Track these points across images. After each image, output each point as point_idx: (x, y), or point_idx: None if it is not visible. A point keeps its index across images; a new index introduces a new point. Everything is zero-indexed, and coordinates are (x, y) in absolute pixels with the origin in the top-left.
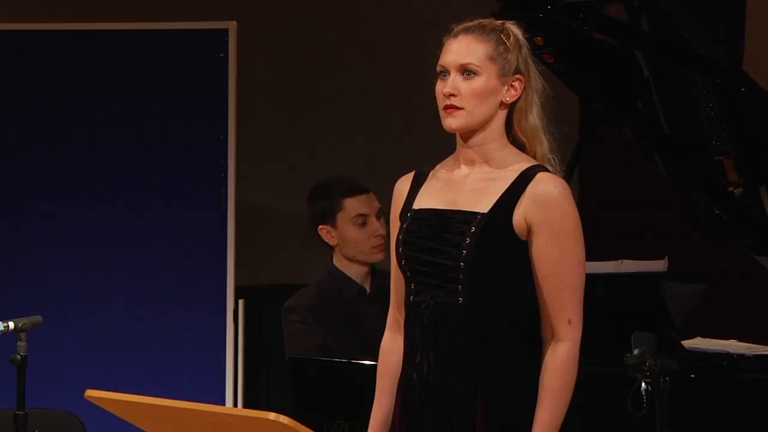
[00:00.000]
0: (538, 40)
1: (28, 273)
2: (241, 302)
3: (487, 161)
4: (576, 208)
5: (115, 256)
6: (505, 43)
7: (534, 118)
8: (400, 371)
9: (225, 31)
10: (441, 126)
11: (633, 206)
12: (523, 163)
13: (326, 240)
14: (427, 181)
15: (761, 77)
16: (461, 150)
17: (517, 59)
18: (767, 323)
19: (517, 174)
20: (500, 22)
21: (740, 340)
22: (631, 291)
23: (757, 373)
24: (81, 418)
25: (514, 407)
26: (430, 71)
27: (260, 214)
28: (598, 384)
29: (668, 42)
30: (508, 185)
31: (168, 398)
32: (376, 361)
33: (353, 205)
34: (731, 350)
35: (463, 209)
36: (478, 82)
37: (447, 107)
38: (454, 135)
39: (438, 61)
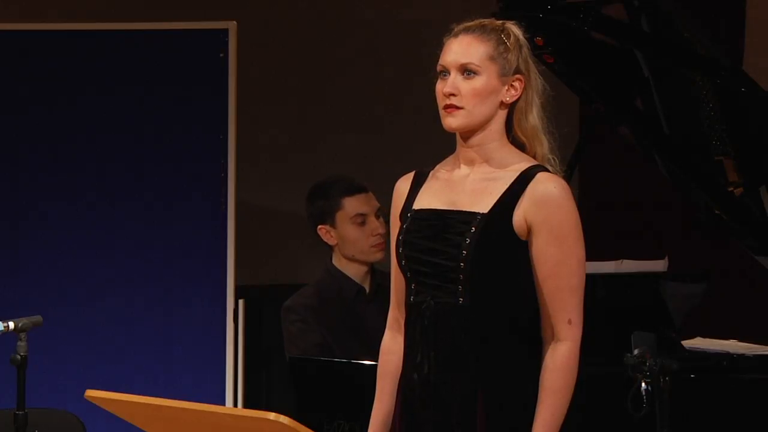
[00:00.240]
0: (538, 40)
1: (28, 273)
2: (241, 302)
3: (487, 161)
4: (576, 208)
5: (115, 256)
6: (506, 42)
7: (534, 118)
8: (400, 371)
9: (225, 31)
10: (441, 126)
11: (633, 206)
12: (523, 163)
13: (325, 240)
14: (427, 181)
15: (761, 77)
16: (461, 150)
17: (518, 59)
18: (767, 323)
19: (517, 174)
20: (501, 22)
21: (740, 340)
22: (631, 291)
23: (757, 373)
24: (81, 418)
25: (515, 407)
26: (430, 71)
27: (260, 214)
28: (598, 384)
29: (668, 42)
30: (508, 185)
31: (168, 398)
32: (376, 360)
33: (352, 205)
34: (731, 350)
35: (463, 209)
36: (478, 82)
37: (447, 107)
38: (454, 135)
39: (438, 61)
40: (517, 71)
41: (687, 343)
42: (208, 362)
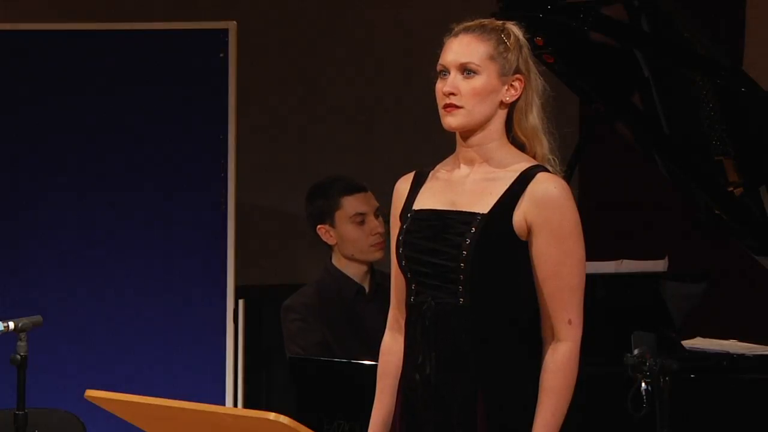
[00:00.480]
0: (538, 40)
1: (28, 273)
2: (241, 302)
3: (486, 161)
4: (576, 209)
5: (116, 256)
6: (506, 42)
7: (534, 118)
8: (400, 371)
9: (225, 31)
10: (441, 126)
11: (633, 206)
12: (523, 163)
13: (325, 239)
14: (427, 182)
15: (761, 77)
16: (461, 150)
17: (518, 59)
18: (767, 323)
19: (517, 174)
20: (501, 22)
21: (740, 340)
22: (631, 291)
23: (757, 373)
24: (81, 418)
25: (515, 407)
26: (430, 71)
27: (260, 214)
28: (598, 384)
29: (668, 42)
30: (508, 186)
31: (168, 398)
32: (376, 360)
33: (351, 204)
34: (731, 350)
35: (463, 210)
36: (478, 81)
37: (447, 106)
38: (454, 135)
39: (438, 61)
40: (517, 71)
41: (687, 343)
42: (208, 362)
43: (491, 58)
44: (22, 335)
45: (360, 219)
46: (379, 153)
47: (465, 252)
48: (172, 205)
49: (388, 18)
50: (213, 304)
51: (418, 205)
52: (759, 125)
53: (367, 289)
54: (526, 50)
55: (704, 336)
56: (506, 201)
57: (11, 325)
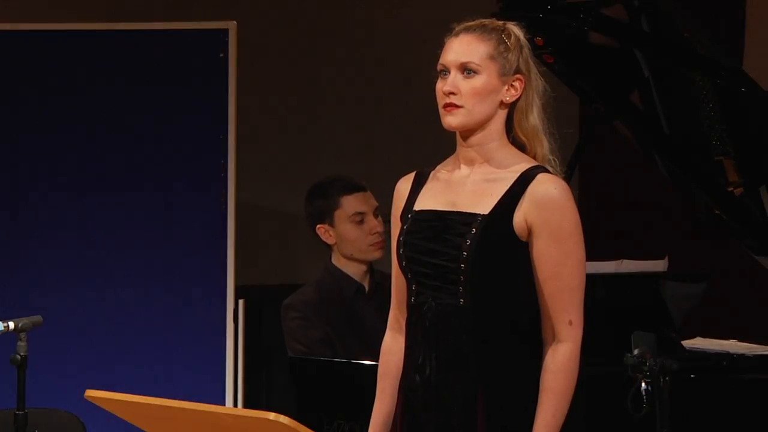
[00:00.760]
0: (538, 40)
1: (28, 273)
2: (241, 302)
3: (487, 161)
4: (576, 209)
5: (116, 256)
6: (506, 42)
7: (534, 118)
8: (400, 372)
9: (225, 31)
10: (441, 126)
11: (633, 206)
12: (524, 163)
13: (324, 239)
14: (428, 182)
15: (761, 77)
16: (461, 150)
17: (518, 59)
18: (767, 323)
19: (517, 175)
20: (502, 22)
21: (740, 340)
22: (631, 291)
23: (757, 373)
24: (81, 418)
25: (515, 408)
26: (430, 71)
27: (260, 214)
28: (598, 384)
29: (668, 42)
30: (509, 187)
31: (168, 398)
32: (375, 359)
33: (351, 203)
34: (731, 350)
35: (464, 211)
36: (478, 81)
37: (446, 105)
38: (454, 135)
39: (439, 60)
40: (518, 71)
41: (687, 343)
42: (208, 362)
43: (491, 57)
44: (22, 335)
45: (359, 218)
46: (379, 153)
47: (465, 253)
48: (172, 205)
49: (388, 18)
50: (213, 304)
51: (418, 206)
52: (759, 125)
53: (366, 288)
54: (526, 51)
55: (704, 336)
56: (507, 202)
57: (11, 325)
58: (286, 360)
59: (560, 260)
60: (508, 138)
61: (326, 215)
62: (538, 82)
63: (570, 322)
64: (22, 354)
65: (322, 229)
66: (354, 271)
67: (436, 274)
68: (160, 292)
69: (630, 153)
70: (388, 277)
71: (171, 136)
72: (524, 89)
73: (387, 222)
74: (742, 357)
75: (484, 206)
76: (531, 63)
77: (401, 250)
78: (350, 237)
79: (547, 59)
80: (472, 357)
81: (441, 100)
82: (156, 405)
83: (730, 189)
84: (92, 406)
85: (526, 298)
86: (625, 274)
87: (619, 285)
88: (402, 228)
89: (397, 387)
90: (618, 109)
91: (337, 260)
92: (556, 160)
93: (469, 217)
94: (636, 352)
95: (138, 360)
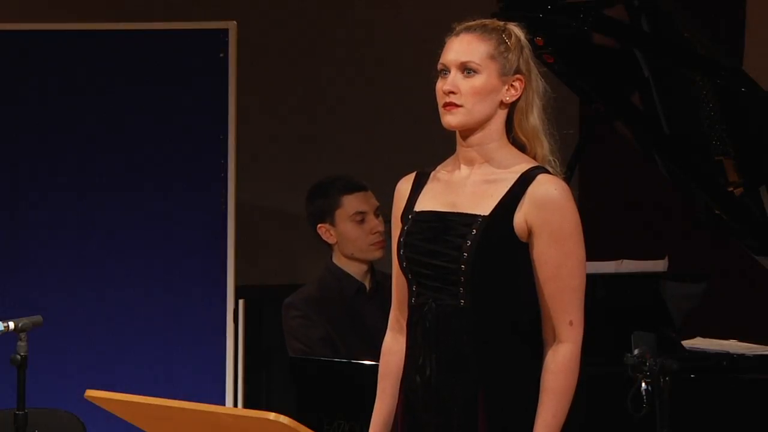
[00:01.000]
0: (539, 40)
1: (28, 273)
2: (241, 302)
3: (487, 161)
4: (576, 210)
5: (116, 256)
6: (506, 42)
7: (534, 118)
8: (401, 372)
9: (225, 31)
10: (441, 126)
11: (633, 206)
12: (524, 164)
13: (325, 238)
14: (428, 183)
15: (761, 77)
16: (461, 150)
17: (518, 59)
18: (767, 323)
19: (517, 176)
20: (502, 22)
21: (740, 340)
22: (631, 291)
23: (757, 373)
24: (81, 418)
25: (516, 409)
26: (430, 71)
27: (260, 214)
28: (598, 384)
29: (668, 42)
30: (509, 187)
31: (168, 398)
32: (376, 358)
33: (351, 203)
34: (731, 350)
35: (464, 212)
36: (478, 81)
37: (446, 105)
38: (454, 135)
39: (439, 60)
40: (518, 71)
41: (687, 343)
42: (208, 362)
43: (492, 57)
44: (22, 335)
45: (360, 218)
46: (379, 153)
47: (466, 254)
48: (172, 205)
49: (388, 18)
50: (213, 304)
51: (419, 207)
52: (759, 125)
53: (367, 288)
54: (527, 51)
55: (704, 336)
56: (507, 203)
57: (11, 325)
58: (286, 360)
59: (560, 261)
60: (508, 138)
61: (327, 215)
62: (538, 83)
63: (570, 323)
64: (22, 354)
65: (323, 229)
66: (355, 270)
67: (436, 275)
68: (160, 292)
69: (630, 153)
70: (388, 278)
71: (171, 136)
72: (524, 89)
73: (387, 222)
74: (742, 357)
75: (484, 207)
76: (531, 63)
77: (402, 250)
78: (351, 236)
79: (547, 59)
80: (472, 358)
81: (441, 100)
82: (156, 405)
83: (730, 189)
84: (92, 406)
85: (526, 298)
86: (625, 274)
87: (619, 285)
88: (402, 229)
89: (398, 387)
90: (618, 109)
91: (338, 260)
92: (556, 160)
93: (469, 218)
94: (636, 352)
95: (138, 360)
